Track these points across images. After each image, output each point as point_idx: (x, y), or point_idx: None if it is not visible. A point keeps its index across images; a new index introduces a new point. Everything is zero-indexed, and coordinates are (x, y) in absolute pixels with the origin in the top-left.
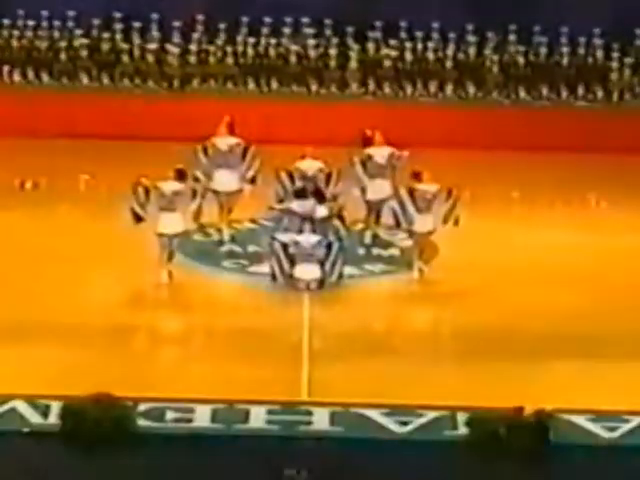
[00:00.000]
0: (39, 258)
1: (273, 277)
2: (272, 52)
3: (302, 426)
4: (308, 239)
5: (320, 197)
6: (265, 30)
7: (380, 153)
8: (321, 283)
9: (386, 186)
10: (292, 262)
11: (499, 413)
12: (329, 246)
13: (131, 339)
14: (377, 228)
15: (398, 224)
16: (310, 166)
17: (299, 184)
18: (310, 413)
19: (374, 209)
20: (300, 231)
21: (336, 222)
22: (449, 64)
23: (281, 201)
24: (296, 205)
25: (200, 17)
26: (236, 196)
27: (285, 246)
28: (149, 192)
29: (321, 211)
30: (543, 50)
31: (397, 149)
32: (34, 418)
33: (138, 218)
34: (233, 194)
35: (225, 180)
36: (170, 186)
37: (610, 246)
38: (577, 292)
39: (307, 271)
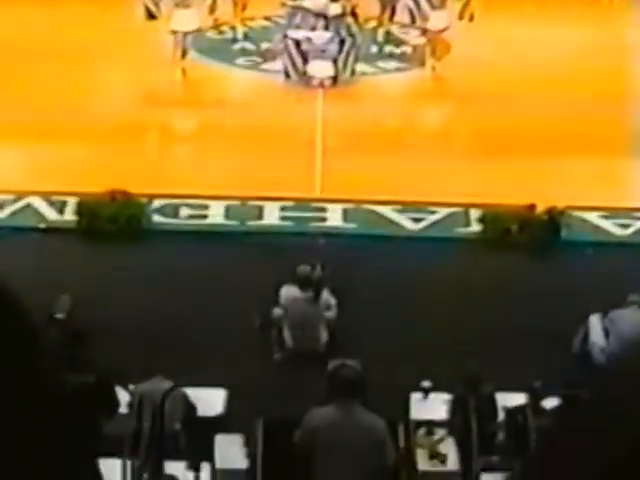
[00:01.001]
0: (52, 56)
1: (286, 74)
2: None
3: (315, 222)
4: (321, 36)
5: None
6: None
7: None
8: (334, 80)
9: None
10: (305, 59)
11: (511, 210)
12: (342, 43)
13: (145, 137)
14: (390, 25)
15: (412, 21)
16: None
17: None
18: (323, 209)
19: (388, 6)
20: (313, 28)
21: (349, 19)
22: None
23: None
24: (309, 2)
25: None
26: None
27: (298, 43)
28: None
29: (334, 8)
30: None
31: None
32: (50, 214)
33: (151, 15)
34: None
35: None
36: None
37: (623, 43)
38: (591, 93)
39: (320, 68)
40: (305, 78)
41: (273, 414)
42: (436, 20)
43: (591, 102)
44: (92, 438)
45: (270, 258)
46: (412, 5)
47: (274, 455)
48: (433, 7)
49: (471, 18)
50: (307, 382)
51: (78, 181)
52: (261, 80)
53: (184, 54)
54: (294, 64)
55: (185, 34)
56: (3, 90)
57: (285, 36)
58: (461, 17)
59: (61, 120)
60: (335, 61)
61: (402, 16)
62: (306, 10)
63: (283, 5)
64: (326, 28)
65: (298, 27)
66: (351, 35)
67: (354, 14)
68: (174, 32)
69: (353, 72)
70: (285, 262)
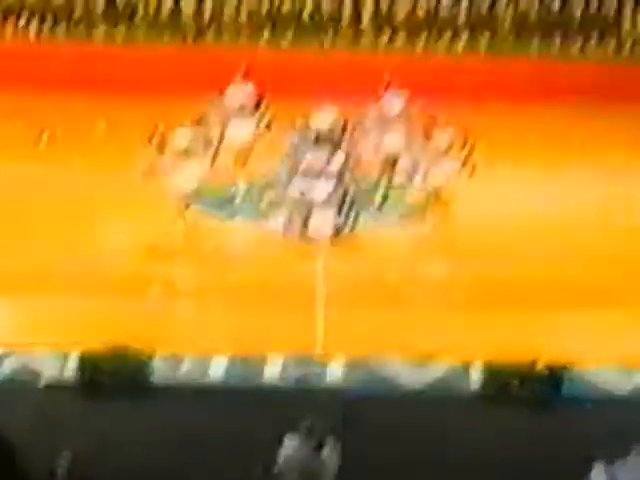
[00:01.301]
0: (55, 208)
1: (287, 228)
2: (287, 4)
3: (317, 378)
4: (323, 189)
5: (335, 147)
6: None
7: (394, 104)
8: (335, 233)
9: (401, 136)
10: (306, 213)
11: (512, 365)
12: (344, 196)
13: (147, 290)
14: (391, 180)
15: (413, 174)
16: (325, 117)
17: (314, 134)
18: (325, 365)
19: (389, 159)
20: (314, 182)
21: (351, 172)
22: (462, 16)
23: (296, 151)
24: (310, 156)
25: None
26: (251, 147)
27: (299, 197)
28: (165, 142)
29: (336, 162)
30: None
31: (411, 99)
32: (51, 369)
33: (152, 169)
34: (247, 145)
35: (239, 131)
36: (186, 136)
37: (627, 195)
38: (592, 243)
39: (321, 222)
40: (306, 232)
41: None
42: (436, 175)
43: (591, 257)
44: None
45: (271, 413)
46: (413, 160)
47: None
48: (433, 163)
49: (472, 173)
50: None
51: (79, 336)
52: (262, 234)
53: (186, 207)
54: (295, 218)
55: (187, 187)
56: (5, 244)
57: (286, 190)
58: (460, 171)
59: (62, 274)
60: (336, 215)
61: (402, 171)
62: (307, 164)
63: (284, 159)
64: (328, 181)
65: (300, 180)
66: (353, 189)
67: (355, 167)
68: (176, 186)
69: (354, 226)
70: (286, 417)
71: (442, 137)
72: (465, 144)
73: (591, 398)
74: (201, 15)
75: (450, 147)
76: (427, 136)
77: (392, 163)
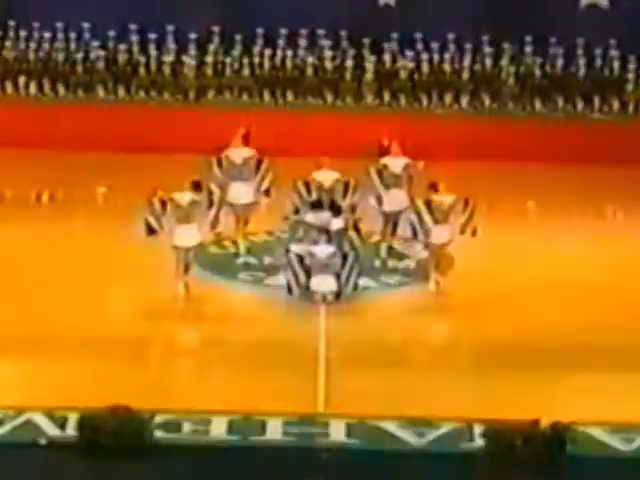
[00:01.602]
0: (55, 271)
1: (289, 289)
2: (288, 64)
3: (319, 438)
4: (324, 250)
5: (336, 210)
6: (281, 42)
7: (396, 163)
8: (337, 295)
9: (402, 197)
10: (308, 274)
11: (515, 425)
12: (345, 257)
13: (148, 351)
14: (393, 239)
15: (415, 235)
16: (326, 177)
17: (315, 195)
18: (327, 425)
19: (390, 220)
20: (315, 242)
21: (352, 233)
22: (465, 75)
23: (297, 212)
24: (312, 216)
25: (216, 29)
26: (251, 208)
27: (301, 258)
28: (165, 204)
29: (337, 222)
30: (559, 61)
31: (413, 160)
32: (51, 430)
33: (152, 230)
34: (248, 206)
35: (240, 192)
36: (186, 198)
37: (627, 259)
38: (593, 305)
39: (323, 283)
40: (308, 293)
41: None
42: (439, 234)
43: (593, 314)
44: None
45: (272, 474)
46: (415, 219)
47: None
48: (436, 221)
49: (474, 232)
50: None
51: (79, 396)
52: (264, 295)
53: (187, 269)
54: (297, 279)
55: (187, 249)
56: (4, 305)
57: (287, 250)
58: (463, 232)
59: (62, 334)
60: (338, 276)
61: (405, 230)
62: (308, 224)
63: (285, 219)
64: (329, 242)
65: (300, 241)
66: (354, 249)
67: (357, 228)
68: (176, 247)
69: (356, 287)
70: (287, 476)
71: (444, 196)
72: (468, 203)
73: (595, 458)
74: (203, 74)
75: (452, 206)
76: (429, 196)
77: (394, 223)
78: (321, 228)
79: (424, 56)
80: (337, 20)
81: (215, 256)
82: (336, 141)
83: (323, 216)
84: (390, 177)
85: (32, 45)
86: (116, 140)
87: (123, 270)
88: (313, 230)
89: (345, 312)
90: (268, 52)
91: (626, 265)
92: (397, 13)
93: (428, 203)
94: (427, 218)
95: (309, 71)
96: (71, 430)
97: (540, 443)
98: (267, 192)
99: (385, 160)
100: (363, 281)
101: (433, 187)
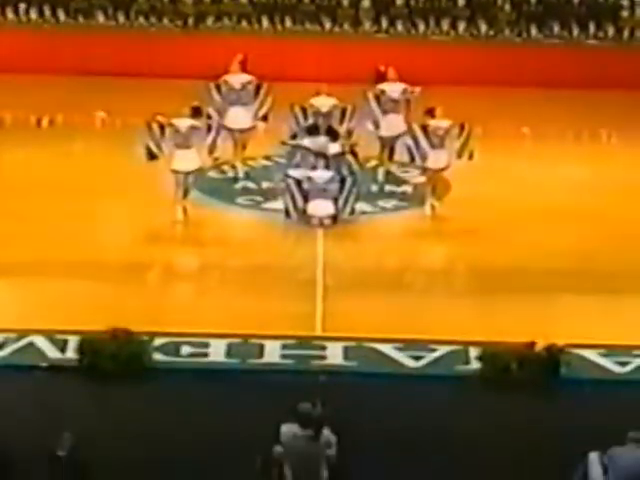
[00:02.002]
0: (55, 195)
1: (287, 213)
2: None
3: (316, 360)
4: (321, 175)
5: (333, 135)
6: None
7: (393, 88)
8: (334, 219)
9: (399, 122)
10: (305, 198)
11: (511, 348)
12: (342, 182)
13: (147, 275)
14: (390, 164)
15: (412, 160)
16: (324, 102)
17: (312, 120)
18: (324, 347)
19: (387, 145)
20: (313, 167)
21: (349, 158)
22: (461, 2)
23: (294, 137)
24: (309, 141)
25: None
26: (249, 133)
27: (298, 182)
28: (164, 129)
29: (334, 147)
30: None
31: (410, 86)
32: (52, 353)
33: (152, 155)
34: (246, 131)
35: (238, 117)
36: (185, 123)
37: (622, 181)
38: (589, 228)
39: (320, 207)
40: (305, 217)
41: None
42: (435, 159)
43: (590, 238)
44: None
45: (270, 396)
46: (411, 144)
47: None
48: (432, 146)
49: (470, 156)
50: None
51: (79, 319)
52: (262, 219)
53: (186, 194)
54: (295, 203)
55: (186, 174)
56: (5, 228)
57: (286, 175)
58: (460, 156)
59: (62, 258)
60: (335, 200)
61: (402, 155)
62: (306, 149)
63: (283, 144)
64: (326, 167)
65: (298, 166)
66: (351, 174)
67: (354, 153)
68: (175, 172)
69: (353, 211)
70: (286, 400)
71: (441, 121)
72: (463, 127)
73: (589, 380)
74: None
75: (449, 131)
76: (425, 121)
77: (391, 148)
78: (318, 153)
79: None
80: None
81: (214, 180)
82: (333, 67)
83: (320, 141)
84: (388, 102)
85: None
86: (115, 65)
87: (122, 194)
88: (311, 155)
89: (342, 236)
90: None
91: (621, 188)
92: None
93: (425, 128)
94: (424, 143)
95: None
96: (71, 353)
97: (535, 365)
98: (265, 117)
99: (383, 85)
100: (360, 205)
101: (430, 112)
